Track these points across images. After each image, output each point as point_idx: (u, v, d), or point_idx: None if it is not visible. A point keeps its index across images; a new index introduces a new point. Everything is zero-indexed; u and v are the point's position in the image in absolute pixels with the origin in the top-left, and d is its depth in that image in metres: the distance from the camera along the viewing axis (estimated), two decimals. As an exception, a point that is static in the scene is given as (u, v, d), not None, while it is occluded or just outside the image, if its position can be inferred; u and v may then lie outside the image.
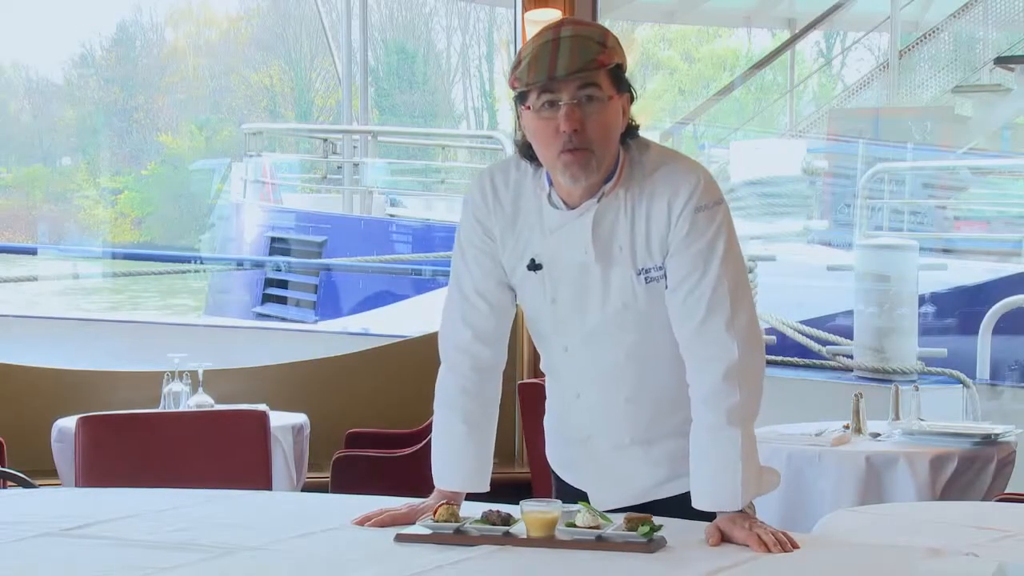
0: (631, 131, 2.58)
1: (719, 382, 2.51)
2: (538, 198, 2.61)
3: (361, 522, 2.61)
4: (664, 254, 2.55)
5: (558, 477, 2.88)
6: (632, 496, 2.72)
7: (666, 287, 2.57)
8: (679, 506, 2.64)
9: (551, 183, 2.60)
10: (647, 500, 2.72)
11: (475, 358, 2.69)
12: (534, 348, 2.92)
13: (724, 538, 2.45)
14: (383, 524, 2.60)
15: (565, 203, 2.60)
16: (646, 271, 2.56)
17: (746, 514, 2.49)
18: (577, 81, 2.46)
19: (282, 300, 12.86)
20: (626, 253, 2.56)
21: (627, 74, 2.58)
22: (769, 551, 2.38)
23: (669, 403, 2.65)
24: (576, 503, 2.50)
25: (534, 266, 2.62)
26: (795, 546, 2.41)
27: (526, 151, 2.60)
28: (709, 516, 2.54)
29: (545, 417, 2.89)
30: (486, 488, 2.71)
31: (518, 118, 2.59)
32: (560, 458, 2.86)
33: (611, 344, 2.63)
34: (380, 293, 12.30)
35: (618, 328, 2.61)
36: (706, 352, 2.54)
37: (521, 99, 2.54)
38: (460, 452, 2.70)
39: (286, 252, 13.16)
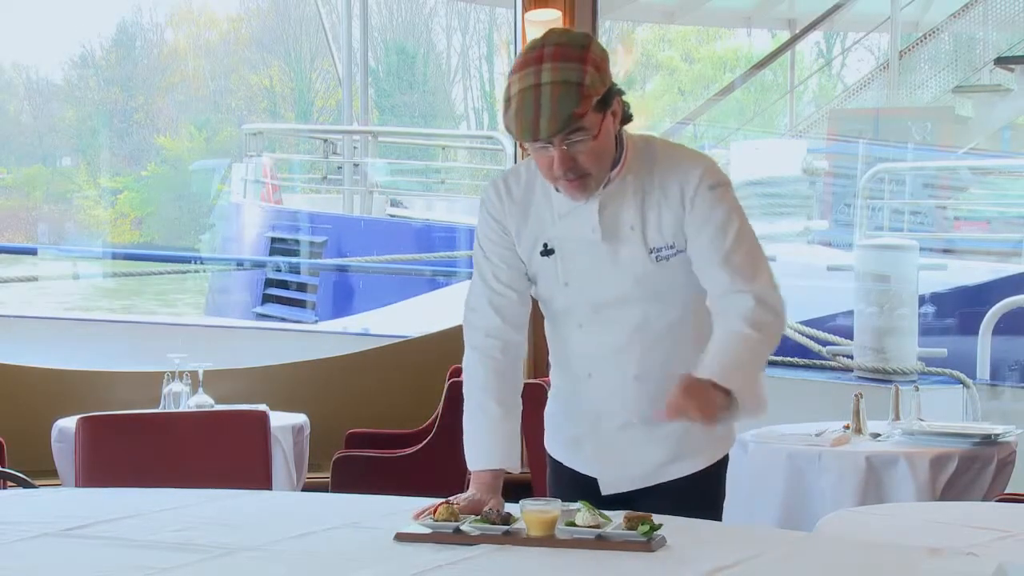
0: (627, 119, 2.70)
1: (749, 304, 2.63)
2: (548, 188, 2.75)
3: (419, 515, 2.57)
4: (676, 234, 2.69)
5: (557, 466, 2.95)
6: (637, 478, 2.82)
7: (691, 262, 2.70)
8: (682, 489, 2.74)
9: None
10: (652, 483, 2.81)
11: (505, 342, 2.81)
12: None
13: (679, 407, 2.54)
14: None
15: None
16: (657, 250, 2.70)
17: (712, 393, 2.55)
18: (561, 134, 2.57)
19: (282, 300, 12.84)
20: (637, 232, 2.70)
21: (620, 73, 2.64)
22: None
23: (675, 381, 2.72)
24: (575, 500, 2.51)
25: (546, 251, 2.77)
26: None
27: None
28: (712, 507, 2.56)
29: (548, 407, 2.98)
30: (517, 468, 2.79)
31: None
32: (565, 443, 2.93)
33: (622, 318, 2.75)
34: (380, 293, 12.27)
35: (628, 302, 2.73)
36: (735, 293, 2.65)
37: None
38: (496, 430, 2.77)
39: (286, 252, 13.15)
